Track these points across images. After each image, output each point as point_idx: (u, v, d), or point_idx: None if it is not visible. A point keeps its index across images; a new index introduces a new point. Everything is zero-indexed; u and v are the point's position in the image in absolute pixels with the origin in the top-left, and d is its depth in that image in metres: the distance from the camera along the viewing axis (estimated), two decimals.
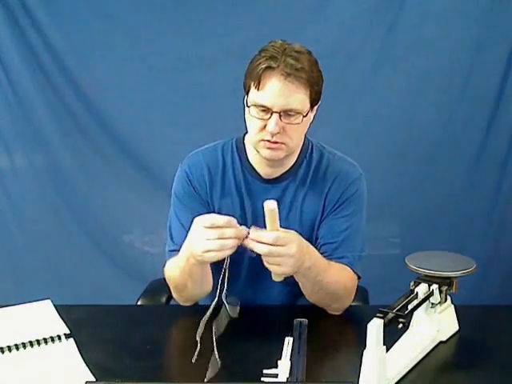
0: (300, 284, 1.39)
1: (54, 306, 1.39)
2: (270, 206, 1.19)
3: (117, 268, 2.62)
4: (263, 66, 1.32)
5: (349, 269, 1.43)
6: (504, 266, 2.53)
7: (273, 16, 2.38)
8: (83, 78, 2.47)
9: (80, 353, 1.24)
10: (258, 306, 1.48)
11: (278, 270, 1.24)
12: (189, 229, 1.39)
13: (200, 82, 2.42)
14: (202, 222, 1.22)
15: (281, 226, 1.24)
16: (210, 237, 1.20)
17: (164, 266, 1.49)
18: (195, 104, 2.45)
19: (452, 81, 2.42)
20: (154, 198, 2.49)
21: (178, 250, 1.39)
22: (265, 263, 1.24)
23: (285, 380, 1.14)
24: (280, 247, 1.21)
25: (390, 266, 2.40)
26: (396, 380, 1.15)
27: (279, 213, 1.29)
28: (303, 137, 1.46)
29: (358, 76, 2.44)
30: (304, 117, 1.35)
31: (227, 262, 1.21)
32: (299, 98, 1.33)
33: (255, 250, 1.21)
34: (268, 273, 1.43)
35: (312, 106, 1.38)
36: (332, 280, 1.37)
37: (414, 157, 2.50)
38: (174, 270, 1.42)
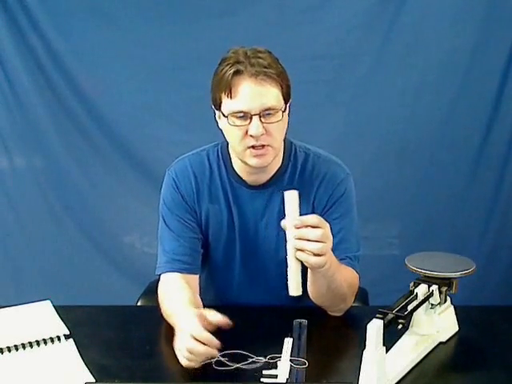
0: (315, 284, 1.34)
1: (54, 306, 1.39)
2: (292, 195, 1.18)
3: (116, 269, 2.62)
4: (231, 72, 1.30)
5: (351, 268, 1.43)
6: (503, 267, 2.53)
7: (270, 16, 2.38)
8: (82, 79, 2.48)
9: (79, 353, 1.24)
10: (258, 307, 1.48)
11: (320, 261, 1.19)
12: (179, 236, 1.41)
13: (200, 82, 2.41)
14: (189, 331, 1.16)
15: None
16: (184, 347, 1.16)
17: (156, 272, 1.46)
18: (195, 105, 2.43)
19: (451, 81, 2.42)
20: (154, 199, 2.46)
21: (172, 260, 1.42)
22: (300, 257, 1.18)
23: (284, 381, 1.14)
24: (326, 229, 1.19)
25: (389, 267, 2.40)
26: (396, 381, 1.15)
27: (268, 218, 1.28)
28: (284, 136, 1.42)
29: (357, 76, 2.44)
30: (283, 112, 1.33)
31: None
32: (274, 95, 1.32)
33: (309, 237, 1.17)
34: (261, 281, 1.43)
35: (285, 103, 1.36)
36: (343, 278, 1.35)
37: (414, 157, 2.50)
38: (165, 312, 1.38)
